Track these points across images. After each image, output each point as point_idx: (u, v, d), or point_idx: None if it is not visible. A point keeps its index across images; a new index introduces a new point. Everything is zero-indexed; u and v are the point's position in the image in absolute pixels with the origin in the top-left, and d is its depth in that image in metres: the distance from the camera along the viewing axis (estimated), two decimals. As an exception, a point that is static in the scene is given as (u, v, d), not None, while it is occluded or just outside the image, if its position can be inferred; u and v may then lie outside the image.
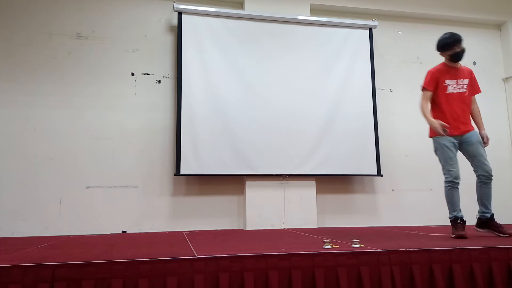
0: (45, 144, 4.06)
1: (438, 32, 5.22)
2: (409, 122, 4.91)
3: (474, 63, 5.30)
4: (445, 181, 3.01)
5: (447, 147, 2.99)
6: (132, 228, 4.09)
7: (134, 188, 4.17)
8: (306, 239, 2.90)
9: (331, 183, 4.61)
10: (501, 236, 2.83)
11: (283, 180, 4.40)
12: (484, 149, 3.03)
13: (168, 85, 4.44)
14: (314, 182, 4.49)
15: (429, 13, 5.14)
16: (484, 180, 2.99)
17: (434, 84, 3.06)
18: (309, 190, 4.45)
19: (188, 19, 4.41)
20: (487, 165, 2.98)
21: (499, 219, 4.93)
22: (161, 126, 4.34)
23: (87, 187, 4.08)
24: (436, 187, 4.90)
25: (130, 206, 4.14)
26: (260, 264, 1.93)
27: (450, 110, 3.04)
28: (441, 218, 4.79)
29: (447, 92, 3.04)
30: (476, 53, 5.33)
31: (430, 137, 3.13)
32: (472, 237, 2.72)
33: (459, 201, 3.02)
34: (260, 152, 4.35)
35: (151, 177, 4.23)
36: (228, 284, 1.86)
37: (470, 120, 3.12)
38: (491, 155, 5.16)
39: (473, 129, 3.07)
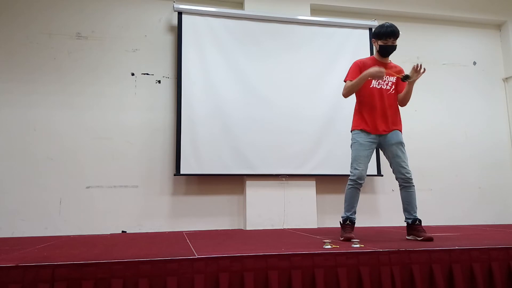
0: (45, 144, 4.06)
1: (438, 32, 5.27)
2: (409, 122, 4.90)
3: (474, 63, 5.30)
4: (349, 179, 2.89)
5: (362, 145, 2.86)
6: (132, 228, 4.09)
7: (134, 188, 4.17)
8: (306, 239, 2.90)
9: (331, 183, 4.61)
10: (418, 240, 2.70)
11: (283, 180, 4.40)
12: (404, 151, 2.87)
13: (168, 85, 4.44)
14: (314, 182, 4.49)
15: (429, 13, 5.14)
16: (402, 184, 2.85)
17: (356, 76, 2.90)
18: (309, 190, 4.45)
19: (188, 19, 4.41)
20: (404, 167, 2.83)
21: (499, 219, 4.97)
22: (161, 126, 4.34)
23: (87, 187, 4.08)
24: (436, 187, 4.91)
25: (130, 206, 4.13)
26: (260, 264, 1.93)
27: (373, 105, 2.88)
28: (441, 218, 4.80)
29: (370, 86, 2.89)
30: (476, 53, 5.34)
31: (351, 131, 2.99)
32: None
33: (356, 202, 2.88)
34: (260, 152, 4.35)
35: (151, 177, 4.23)
36: (228, 284, 1.86)
37: (395, 119, 2.94)
38: (491, 155, 5.21)
39: (397, 129, 2.92)
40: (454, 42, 5.30)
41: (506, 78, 5.32)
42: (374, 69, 2.79)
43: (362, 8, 4.95)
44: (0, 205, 3.89)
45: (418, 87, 4.99)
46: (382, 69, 2.78)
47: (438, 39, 5.26)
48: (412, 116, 4.97)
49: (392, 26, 2.87)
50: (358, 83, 2.87)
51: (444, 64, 5.22)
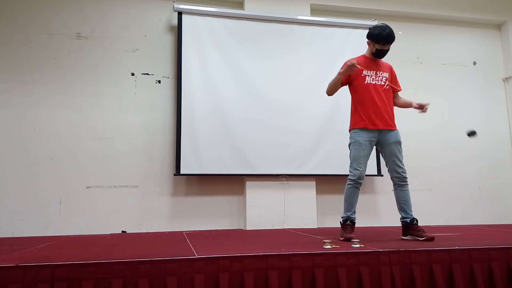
0: (45, 144, 4.06)
1: (438, 32, 5.27)
2: (409, 122, 4.90)
3: (474, 63, 5.30)
4: (348, 179, 2.91)
5: (361, 144, 2.89)
6: (132, 228, 4.09)
7: (134, 188, 4.17)
8: (306, 239, 2.90)
9: (331, 183, 4.60)
10: (419, 240, 2.69)
11: (283, 180, 4.40)
12: (401, 151, 2.92)
13: (168, 85, 4.44)
14: (314, 182, 4.49)
15: (429, 13, 5.14)
16: (398, 183, 2.88)
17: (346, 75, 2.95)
18: (309, 190, 4.45)
19: (188, 19, 4.41)
20: (401, 167, 2.87)
21: (499, 219, 4.97)
22: (161, 126, 4.34)
23: (87, 187, 4.08)
24: (436, 187, 4.91)
25: (130, 206, 4.13)
26: (260, 264, 1.93)
27: (370, 101, 2.90)
28: (441, 218, 4.80)
29: (365, 83, 2.93)
30: (476, 53, 5.34)
31: (349, 130, 3.03)
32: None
33: (356, 202, 2.91)
34: (260, 152, 4.35)
35: (151, 177, 4.23)
36: (228, 284, 1.86)
37: (392, 117, 2.98)
38: (491, 155, 5.21)
39: (395, 128, 2.96)
40: (454, 42, 5.30)
41: (506, 78, 5.32)
42: (347, 69, 2.83)
43: (362, 8, 4.95)
44: (0, 205, 3.89)
45: (418, 87, 5.01)
46: (353, 62, 2.79)
47: (438, 39, 5.26)
48: (412, 116, 4.95)
49: (391, 32, 2.92)
50: (336, 81, 2.95)
51: (444, 64, 5.22)
